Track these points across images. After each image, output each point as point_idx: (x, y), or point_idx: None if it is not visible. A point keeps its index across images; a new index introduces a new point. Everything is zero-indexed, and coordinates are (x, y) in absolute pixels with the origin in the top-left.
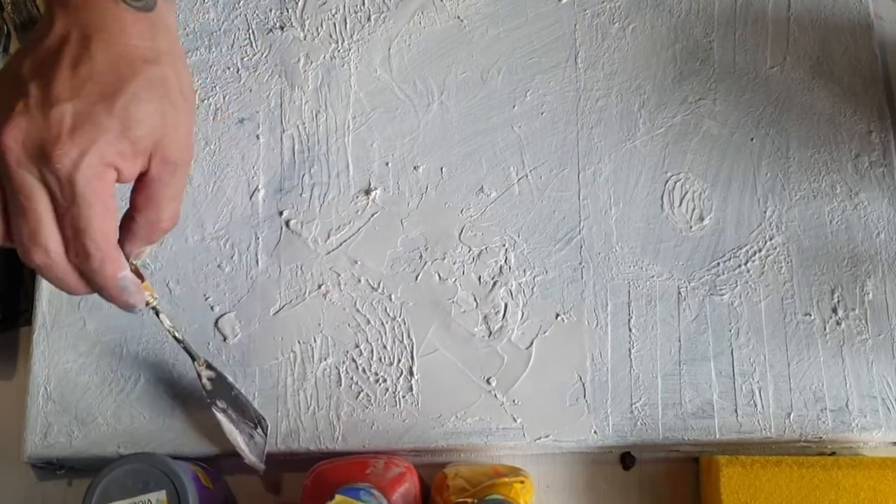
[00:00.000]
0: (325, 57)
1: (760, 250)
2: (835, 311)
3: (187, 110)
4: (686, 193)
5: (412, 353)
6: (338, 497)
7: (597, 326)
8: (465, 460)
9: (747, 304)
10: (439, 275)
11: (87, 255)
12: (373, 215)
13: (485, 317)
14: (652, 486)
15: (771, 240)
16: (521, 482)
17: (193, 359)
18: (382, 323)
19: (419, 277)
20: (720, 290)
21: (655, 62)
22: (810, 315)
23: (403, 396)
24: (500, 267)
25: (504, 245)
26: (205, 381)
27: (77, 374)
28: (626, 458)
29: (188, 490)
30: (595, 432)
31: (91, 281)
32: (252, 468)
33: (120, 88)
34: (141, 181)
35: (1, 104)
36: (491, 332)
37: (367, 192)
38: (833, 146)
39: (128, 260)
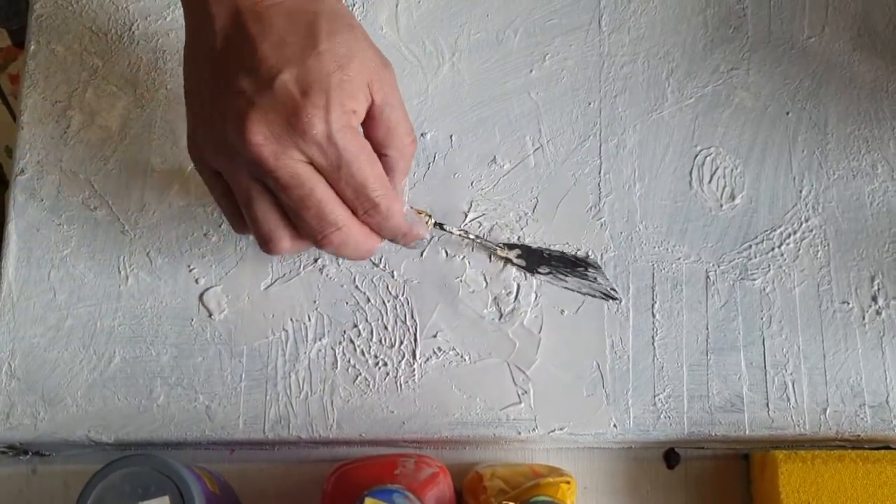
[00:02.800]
0: None
1: (795, 232)
2: (874, 299)
3: (364, 31)
4: (716, 169)
5: (415, 335)
6: (368, 500)
7: (617, 311)
8: (492, 459)
9: (780, 291)
10: (446, 251)
11: (375, 205)
12: None
13: (495, 298)
14: (698, 486)
15: (807, 221)
16: (567, 482)
17: (495, 249)
18: (384, 301)
19: (424, 253)
20: (751, 274)
21: (685, 28)
22: (848, 303)
23: (405, 382)
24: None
25: (517, 221)
26: (516, 261)
27: (45, 350)
28: (671, 456)
29: (195, 496)
30: (615, 425)
31: (383, 229)
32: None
33: (314, 36)
34: (370, 116)
35: (221, 115)
36: (502, 315)
37: None
38: (874, 122)
39: None
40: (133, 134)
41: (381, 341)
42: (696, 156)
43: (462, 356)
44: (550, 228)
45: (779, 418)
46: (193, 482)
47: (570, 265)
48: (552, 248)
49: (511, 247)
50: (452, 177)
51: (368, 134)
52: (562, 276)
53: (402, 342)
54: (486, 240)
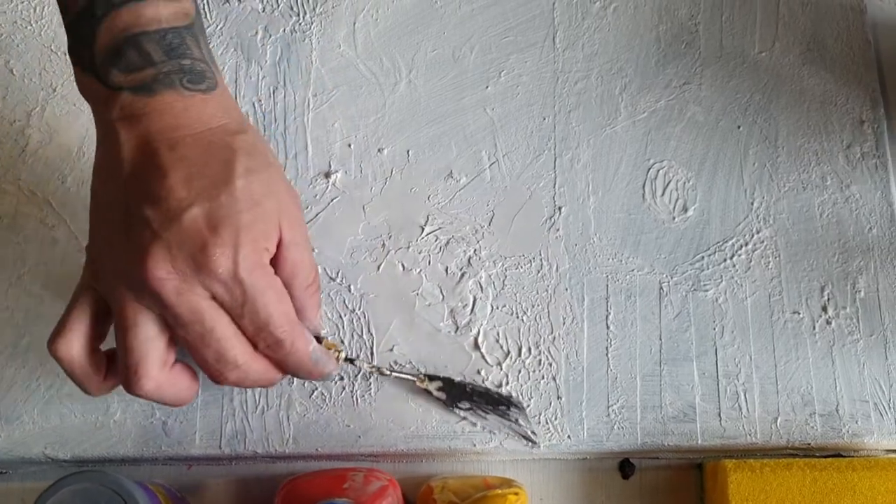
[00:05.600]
0: (284, 30)
1: (747, 244)
2: (825, 309)
3: (279, 163)
4: (669, 182)
5: (372, 348)
6: None
7: (572, 322)
8: (449, 472)
9: (732, 301)
10: (403, 265)
11: (278, 342)
12: (332, 200)
13: (452, 310)
14: (654, 495)
15: (758, 233)
16: (516, 493)
17: (414, 380)
18: (340, 316)
19: (381, 267)
20: (704, 285)
21: (638, 44)
22: (799, 313)
23: (362, 396)
24: (469, 258)
25: (473, 234)
26: (436, 394)
27: (2, 368)
28: (626, 466)
29: None
30: (569, 436)
31: (286, 365)
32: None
33: (230, 171)
34: (279, 255)
35: (123, 246)
36: (458, 327)
37: (327, 174)
38: (824, 135)
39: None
40: (91, 153)
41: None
42: (649, 169)
43: (419, 369)
44: (506, 241)
45: (731, 428)
46: (143, 498)
47: (492, 402)
48: (476, 383)
49: (432, 378)
50: (409, 191)
51: (274, 271)
52: (482, 414)
53: (358, 356)
54: (403, 372)
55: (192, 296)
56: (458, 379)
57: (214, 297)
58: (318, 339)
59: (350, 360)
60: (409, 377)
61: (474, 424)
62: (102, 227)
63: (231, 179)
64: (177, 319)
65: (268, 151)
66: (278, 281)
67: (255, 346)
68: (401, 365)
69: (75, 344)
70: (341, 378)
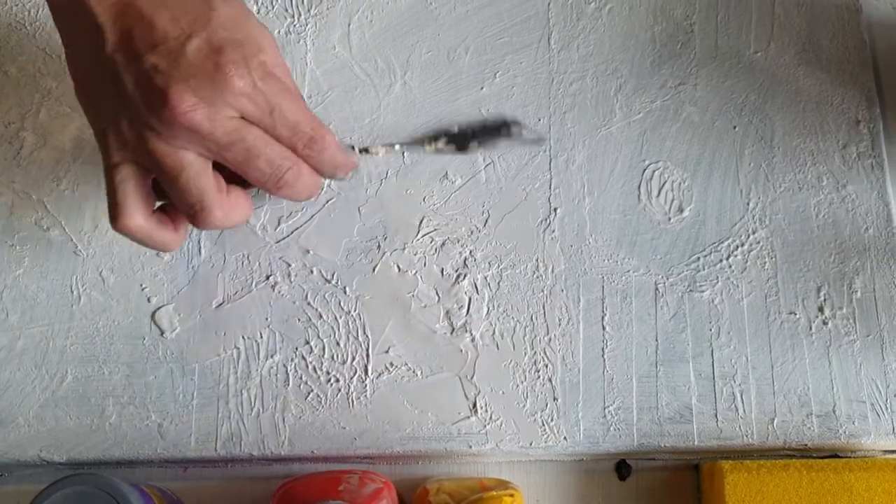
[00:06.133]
0: (279, 32)
1: (743, 244)
2: (821, 309)
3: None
4: (665, 183)
5: (367, 350)
6: None
7: (568, 324)
8: (445, 474)
9: (729, 302)
10: (399, 266)
11: (312, 138)
12: (327, 202)
13: (447, 312)
14: (650, 497)
15: (754, 233)
16: (511, 495)
17: (423, 148)
18: (336, 318)
19: (377, 269)
20: (700, 286)
21: (633, 44)
22: (795, 314)
23: (358, 398)
24: (465, 259)
25: (469, 236)
26: (446, 148)
27: None
28: (622, 468)
29: None
30: (565, 438)
31: (323, 163)
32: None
33: (208, 4)
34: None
35: (140, 102)
36: (454, 329)
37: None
38: (819, 136)
39: None
40: (85, 155)
41: (333, 357)
42: (645, 170)
43: (414, 371)
44: (501, 242)
45: (727, 429)
46: (138, 500)
47: (494, 131)
48: (472, 121)
49: (436, 138)
50: (405, 193)
51: None
52: (492, 145)
53: (354, 358)
54: (411, 142)
55: (224, 118)
56: (455, 129)
57: (243, 116)
58: None
59: (365, 150)
60: (417, 143)
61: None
62: (105, 103)
63: (212, 7)
64: (219, 144)
65: None
66: (291, 85)
67: (294, 150)
68: (405, 141)
69: (136, 214)
70: (337, 380)
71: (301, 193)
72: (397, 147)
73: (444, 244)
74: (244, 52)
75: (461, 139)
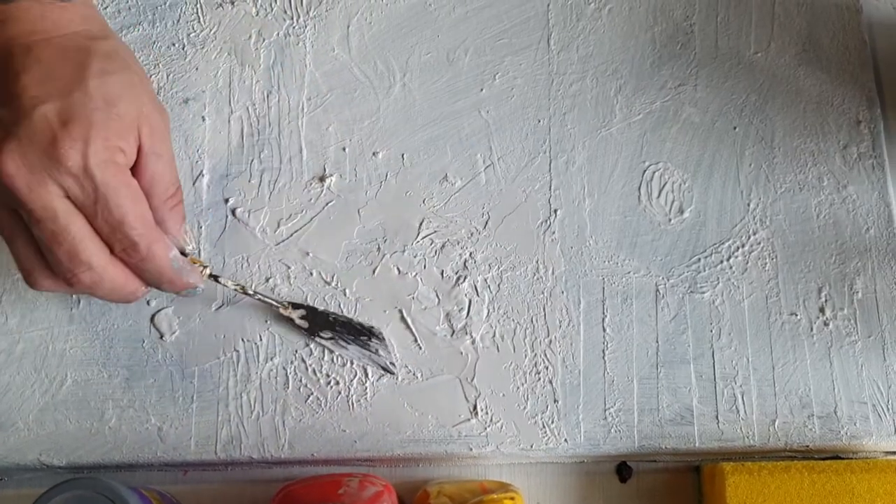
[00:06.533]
0: (278, 34)
1: (743, 245)
2: (822, 310)
3: (145, 75)
4: (665, 184)
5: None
6: None
7: (568, 325)
8: (446, 476)
9: (729, 303)
10: (398, 269)
11: (134, 243)
12: (327, 204)
13: (447, 314)
14: (651, 499)
15: (755, 234)
16: (511, 498)
17: (278, 307)
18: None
19: (377, 271)
20: (701, 287)
21: (633, 45)
22: (796, 315)
23: (357, 400)
24: (465, 261)
25: (469, 238)
26: (298, 322)
27: None
28: (623, 470)
29: None
30: (566, 440)
31: (145, 273)
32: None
33: (84, 72)
34: (138, 164)
35: None
36: (454, 331)
37: (322, 178)
38: (820, 136)
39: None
40: None
41: (332, 360)
42: (645, 171)
43: (414, 373)
44: (501, 244)
45: (728, 430)
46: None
47: (353, 333)
48: (339, 314)
49: (296, 306)
50: (404, 195)
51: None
52: (343, 344)
53: (353, 361)
54: (266, 297)
55: (45, 192)
56: (321, 308)
57: (68, 196)
58: (184, 255)
59: (214, 277)
60: (272, 302)
61: (332, 352)
62: None
63: (85, 79)
64: (31, 215)
65: (130, 58)
66: (135, 183)
67: (112, 250)
68: (261, 293)
69: (42, 276)
70: (336, 383)
71: (105, 297)
72: (250, 292)
73: (444, 246)
74: (91, 133)
75: (320, 322)
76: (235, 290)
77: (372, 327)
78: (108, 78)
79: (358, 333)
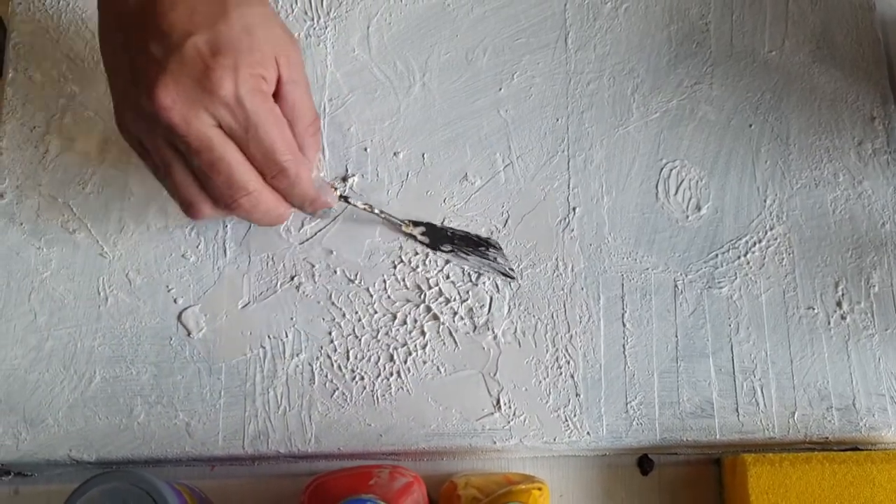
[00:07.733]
0: (299, 35)
1: (760, 241)
2: (839, 304)
3: (272, 6)
4: (682, 181)
5: (391, 348)
6: None
7: (589, 321)
8: (470, 469)
9: (747, 298)
10: (420, 266)
11: (283, 169)
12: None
13: (469, 310)
14: (673, 491)
15: (771, 230)
16: (539, 489)
17: (400, 225)
18: (360, 317)
19: (398, 269)
20: (719, 282)
21: (650, 44)
22: (814, 309)
23: (382, 395)
24: None
25: (489, 235)
26: (420, 238)
27: (26, 372)
28: (644, 462)
29: None
30: (588, 433)
31: (291, 195)
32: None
33: (225, 4)
34: (278, 93)
35: (135, 83)
36: (476, 327)
37: (344, 178)
38: (835, 133)
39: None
40: (111, 158)
41: (357, 356)
42: (662, 169)
43: (438, 368)
44: (521, 242)
45: (748, 423)
46: (172, 496)
47: (472, 244)
48: (456, 227)
49: (416, 224)
50: (425, 194)
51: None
52: (463, 255)
53: (378, 356)
54: (390, 216)
55: (200, 123)
56: (440, 224)
57: (221, 126)
58: None
59: (345, 198)
60: (395, 220)
61: (453, 263)
62: (117, 78)
63: (227, 10)
64: (188, 147)
65: None
66: (277, 110)
67: (263, 176)
68: (386, 213)
69: (204, 204)
70: (361, 378)
71: (259, 220)
72: (376, 211)
73: None
74: (239, 60)
75: (438, 237)
76: (364, 208)
77: (489, 238)
78: (246, 10)
79: (476, 245)
